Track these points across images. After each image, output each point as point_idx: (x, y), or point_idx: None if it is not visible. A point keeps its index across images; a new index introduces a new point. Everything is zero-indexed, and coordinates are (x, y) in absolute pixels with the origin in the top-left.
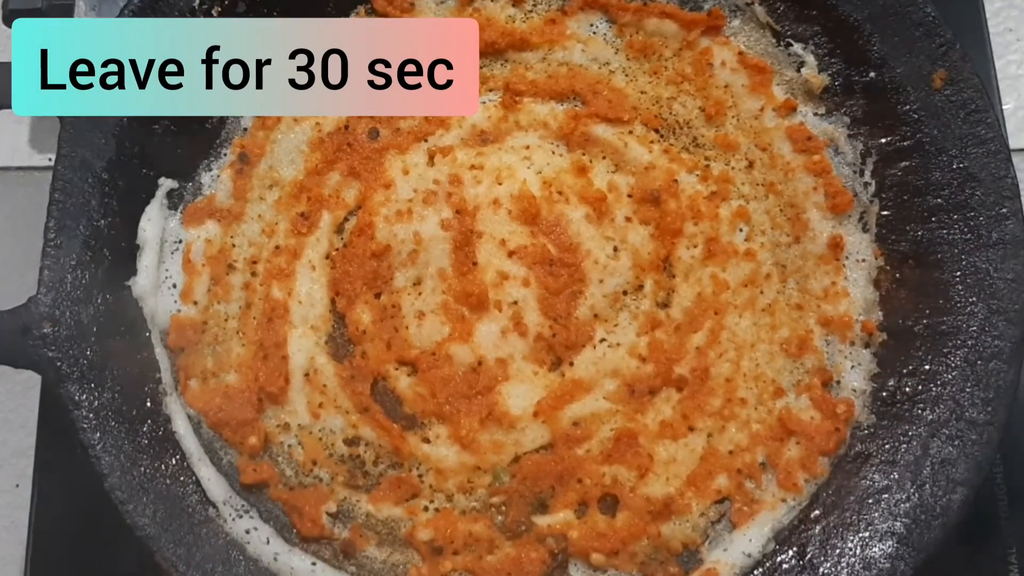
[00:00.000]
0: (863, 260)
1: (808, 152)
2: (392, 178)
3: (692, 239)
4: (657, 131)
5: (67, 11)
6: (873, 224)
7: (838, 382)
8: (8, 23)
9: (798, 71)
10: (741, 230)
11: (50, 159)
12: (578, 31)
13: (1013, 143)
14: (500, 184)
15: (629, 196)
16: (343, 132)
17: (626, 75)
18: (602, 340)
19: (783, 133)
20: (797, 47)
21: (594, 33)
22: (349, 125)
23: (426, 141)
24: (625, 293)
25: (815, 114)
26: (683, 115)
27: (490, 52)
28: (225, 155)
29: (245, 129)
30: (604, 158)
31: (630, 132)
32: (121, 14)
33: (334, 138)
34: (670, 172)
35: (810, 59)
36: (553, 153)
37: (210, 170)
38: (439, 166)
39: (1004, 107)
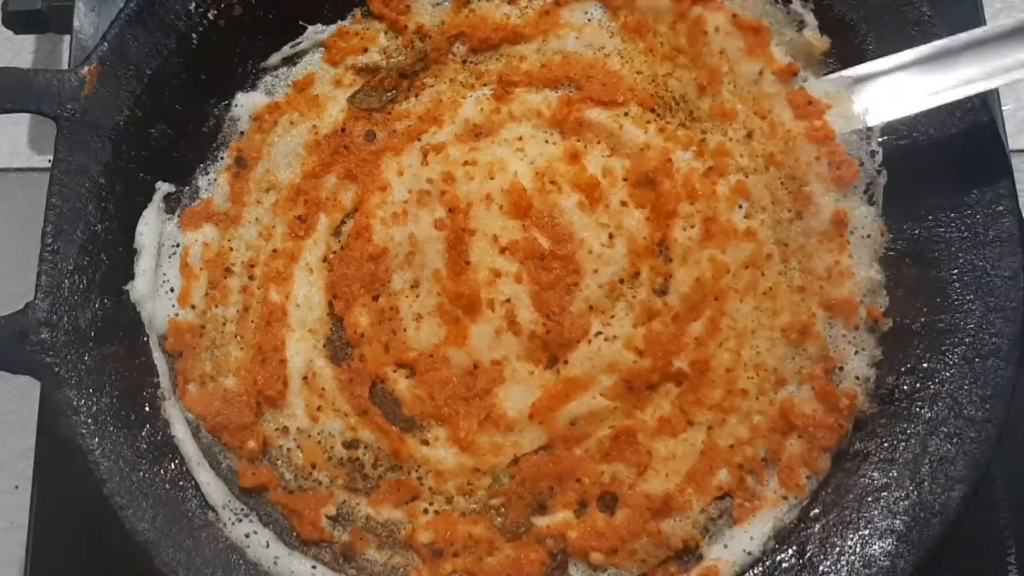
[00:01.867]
0: (868, 236)
1: (809, 118)
2: (388, 180)
3: (688, 219)
4: (653, 110)
5: (67, 12)
6: (880, 197)
7: (841, 369)
8: (8, 23)
9: (798, 31)
10: (740, 207)
11: (49, 160)
12: (572, 19)
13: (1013, 144)
14: (492, 179)
15: (624, 180)
16: (339, 135)
17: (621, 57)
18: (598, 333)
19: (783, 99)
20: (796, 4)
21: (588, 20)
22: (345, 128)
23: (420, 140)
24: (622, 281)
25: (816, 77)
26: (679, 90)
27: (484, 48)
28: (222, 159)
29: (242, 132)
30: (599, 143)
31: (625, 114)
32: (118, 16)
33: (330, 141)
34: (664, 151)
35: (810, 18)
36: (546, 142)
37: (207, 174)
38: (433, 164)
39: (1004, 108)
